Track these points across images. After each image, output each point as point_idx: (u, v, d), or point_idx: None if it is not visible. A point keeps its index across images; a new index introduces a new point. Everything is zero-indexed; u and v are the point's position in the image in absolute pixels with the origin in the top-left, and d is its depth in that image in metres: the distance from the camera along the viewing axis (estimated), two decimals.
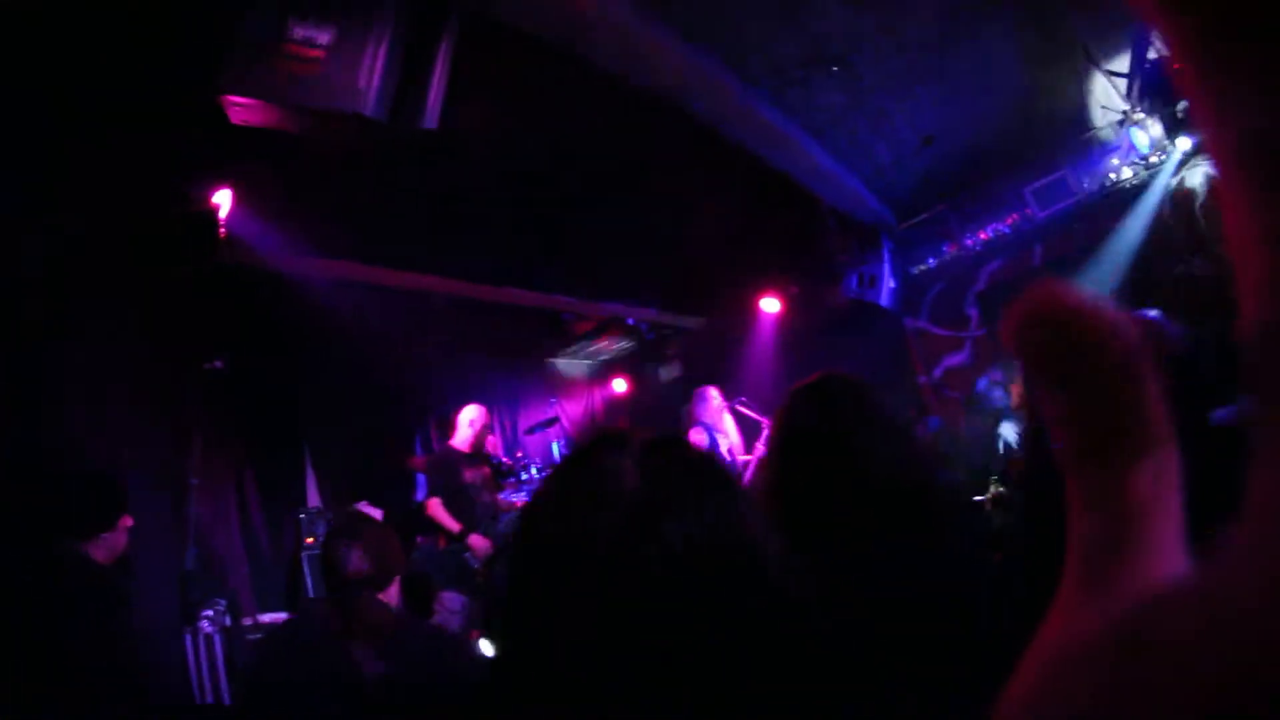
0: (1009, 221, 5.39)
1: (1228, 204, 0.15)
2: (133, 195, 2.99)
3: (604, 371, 6.62)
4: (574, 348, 6.18)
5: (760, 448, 4.10)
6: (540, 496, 0.70)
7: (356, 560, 1.73)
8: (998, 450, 4.37)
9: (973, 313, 5.54)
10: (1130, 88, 4.69)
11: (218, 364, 3.47)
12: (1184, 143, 4.67)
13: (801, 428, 1.28)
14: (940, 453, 4.28)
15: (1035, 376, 0.19)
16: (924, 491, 1.20)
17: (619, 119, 4.04)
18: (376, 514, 4.71)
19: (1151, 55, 4.37)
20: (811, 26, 4.05)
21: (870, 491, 1.17)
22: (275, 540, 4.31)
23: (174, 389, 3.40)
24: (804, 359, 5.62)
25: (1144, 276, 4.76)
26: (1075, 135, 5.13)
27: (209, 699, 3.19)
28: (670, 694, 0.57)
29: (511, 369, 5.80)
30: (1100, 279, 4.87)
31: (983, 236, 5.45)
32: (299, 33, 2.51)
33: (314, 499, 4.52)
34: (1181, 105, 4.59)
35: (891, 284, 5.22)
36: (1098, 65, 4.69)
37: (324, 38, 2.54)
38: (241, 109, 2.57)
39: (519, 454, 4.97)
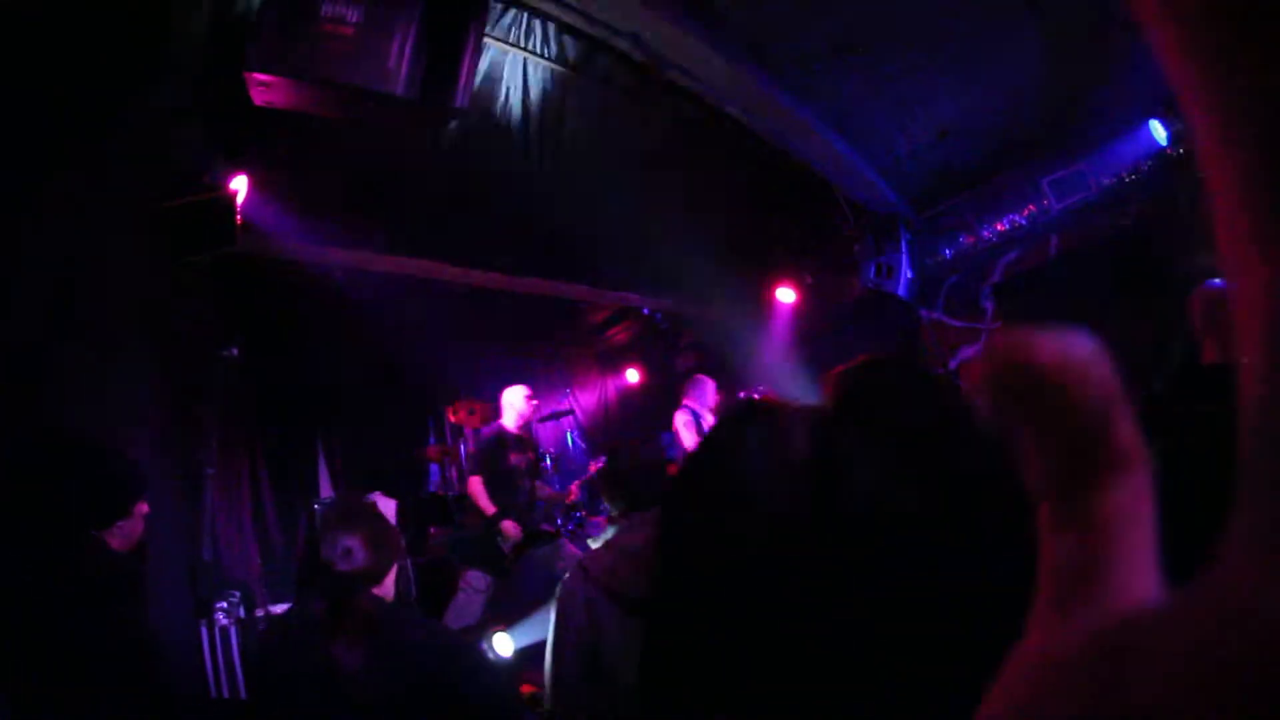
0: (1025, 213, 5.35)
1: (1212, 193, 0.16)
2: (149, 182, 2.90)
3: (617, 361, 6.55)
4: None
5: None
6: (700, 475, 0.64)
7: (353, 553, 1.61)
8: None
9: (988, 305, 5.51)
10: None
11: (233, 351, 3.39)
12: None
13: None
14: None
15: (1003, 413, 0.19)
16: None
17: (636, 106, 3.96)
18: (390, 504, 4.65)
19: None
20: (833, 15, 3.98)
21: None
22: (287, 530, 4.25)
23: (189, 377, 3.32)
24: (818, 349, 5.59)
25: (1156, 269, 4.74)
26: (1094, 127, 5.08)
27: (224, 692, 3.13)
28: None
29: (525, 359, 5.73)
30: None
31: (999, 228, 5.40)
32: (328, 10, 2.43)
33: (326, 489, 4.45)
34: None
35: (909, 275, 5.17)
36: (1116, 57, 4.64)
37: (354, 16, 2.46)
38: (266, 89, 2.49)
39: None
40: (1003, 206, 5.39)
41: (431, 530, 4.29)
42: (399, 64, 2.50)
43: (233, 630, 3.22)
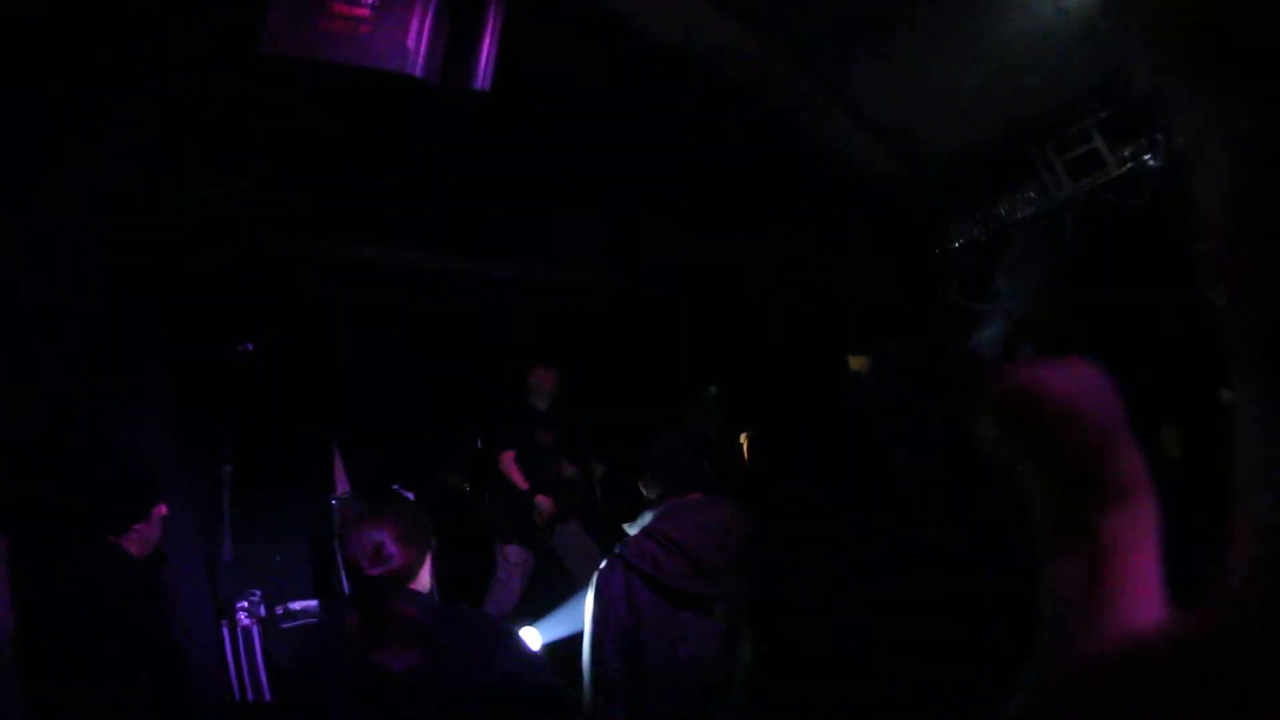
0: (1040, 192, 5.29)
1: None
2: (166, 178, 2.83)
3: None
4: None
5: None
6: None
7: (383, 550, 1.48)
8: None
9: (1002, 284, 5.45)
10: None
11: (249, 346, 3.31)
12: None
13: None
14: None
15: (1006, 444, 0.19)
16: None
17: (648, 91, 3.88)
18: (409, 498, 4.61)
19: None
20: None
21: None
22: (303, 526, 4.19)
23: (206, 372, 3.25)
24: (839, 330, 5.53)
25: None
26: (1111, 107, 5.02)
27: (249, 694, 3.07)
28: None
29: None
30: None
31: (1013, 208, 5.35)
32: None
33: (342, 485, 4.39)
34: None
35: (922, 255, 5.12)
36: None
37: None
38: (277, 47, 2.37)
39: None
40: (1018, 186, 5.33)
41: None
42: (418, 45, 2.41)
43: (255, 630, 3.16)
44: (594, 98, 3.43)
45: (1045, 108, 5.03)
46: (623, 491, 4.97)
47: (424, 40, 2.44)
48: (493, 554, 4.24)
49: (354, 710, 1.40)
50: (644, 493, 2.42)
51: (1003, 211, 5.37)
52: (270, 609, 3.51)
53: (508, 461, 4.07)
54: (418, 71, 2.39)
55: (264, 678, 3.09)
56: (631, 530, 2.36)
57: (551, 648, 3.19)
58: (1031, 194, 5.29)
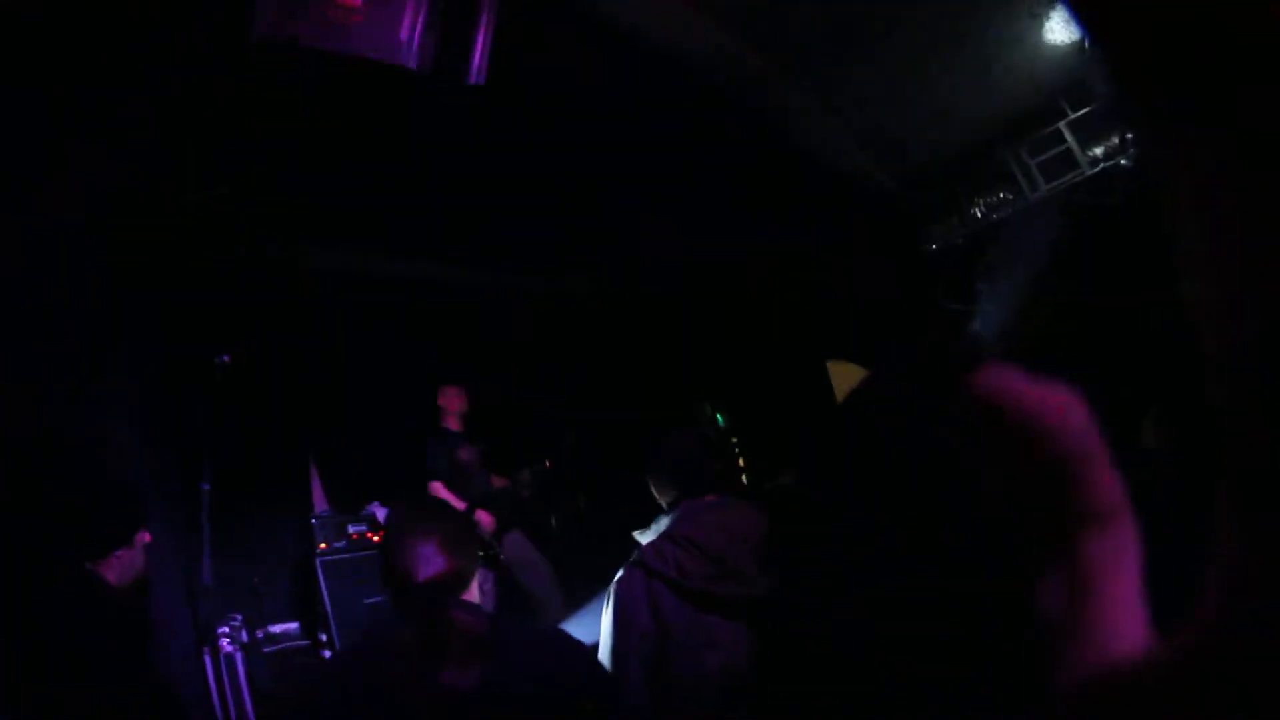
0: (1014, 194, 5.39)
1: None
2: (141, 184, 2.69)
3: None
4: None
5: None
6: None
7: (434, 560, 1.37)
8: None
9: (980, 287, 5.52)
10: None
11: (224, 358, 3.15)
12: None
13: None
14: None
15: (983, 459, 0.19)
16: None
17: (632, 90, 3.84)
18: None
19: None
20: None
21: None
22: (280, 546, 4.01)
23: (182, 386, 3.08)
24: (815, 334, 5.54)
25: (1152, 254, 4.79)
26: (1081, 107, 5.13)
27: None
28: None
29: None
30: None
31: (988, 209, 5.43)
32: None
33: (320, 503, 4.22)
34: None
35: (905, 256, 5.16)
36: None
37: None
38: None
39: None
40: (992, 187, 5.42)
41: None
42: (410, 36, 2.33)
43: (239, 658, 2.99)
44: (590, 99, 3.37)
45: (1018, 110, 5.14)
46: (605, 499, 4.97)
47: (417, 32, 2.36)
48: None
49: None
50: (657, 496, 2.34)
51: (979, 213, 5.45)
52: (251, 633, 3.34)
53: (438, 490, 4.14)
54: (410, 63, 2.30)
55: (249, 708, 2.92)
56: (643, 538, 2.27)
57: None
58: (1007, 195, 5.37)
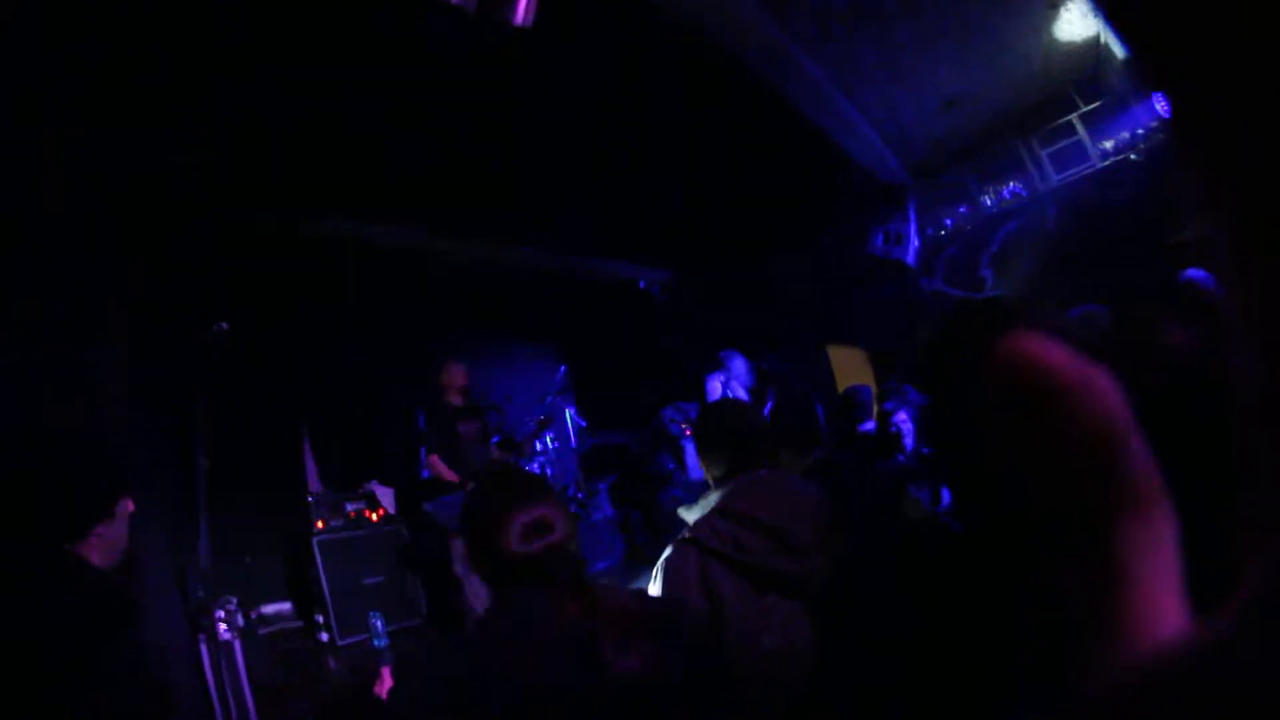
0: (1024, 184, 5.36)
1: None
2: (135, 150, 2.48)
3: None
4: None
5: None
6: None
7: (558, 524, 1.20)
8: None
9: (987, 274, 5.49)
10: None
11: (223, 326, 2.93)
12: None
13: None
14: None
15: (1007, 436, 0.18)
16: None
17: (643, 70, 3.69)
18: (387, 493, 4.26)
19: None
20: None
21: None
22: (273, 524, 3.80)
23: (176, 355, 2.86)
24: (819, 318, 5.47)
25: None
26: (1093, 99, 5.12)
27: (233, 715, 2.70)
28: None
29: (518, 336, 5.40)
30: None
31: (998, 199, 5.40)
32: None
33: (314, 482, 4.02)
34: None
35: (916, 243, 5.10)
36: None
37: None
38: None
39: (541, 418, 4.69)
40: (1002, 177, 5.39)
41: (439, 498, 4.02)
42: None
43: (236, 644, 2.79)
44: (602, 73, 3.23)
45: (1030, 101, 5.10)
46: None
47: None
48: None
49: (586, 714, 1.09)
50: (704, 469, 2.22)
51: (988, 201, 5.41)
52: (246, 616, 3.14)
53: (435, 463, 4.06)
54: (470, 5, 2.13)
55: (249, 696, 2.73)
56: (690, 516, 2.14)
57: None
58: (1017, 185, 5.35)
